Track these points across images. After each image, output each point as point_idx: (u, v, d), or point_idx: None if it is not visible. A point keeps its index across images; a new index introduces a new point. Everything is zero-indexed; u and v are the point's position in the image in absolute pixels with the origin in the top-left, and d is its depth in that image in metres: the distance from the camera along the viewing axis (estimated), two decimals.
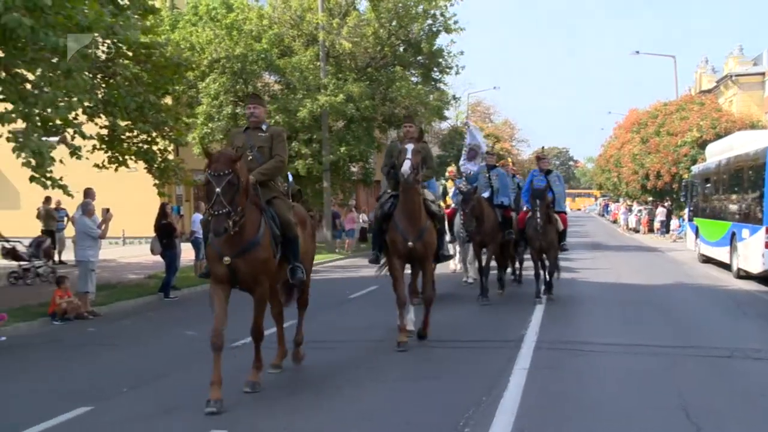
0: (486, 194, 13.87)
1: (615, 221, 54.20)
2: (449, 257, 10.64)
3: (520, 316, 11.50)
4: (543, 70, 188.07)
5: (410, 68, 29.31)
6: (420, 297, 12.84)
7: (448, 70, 29.63)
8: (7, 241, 17.17)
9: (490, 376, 7.69)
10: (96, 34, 11.64)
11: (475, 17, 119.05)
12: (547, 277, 13.50)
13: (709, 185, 22.11)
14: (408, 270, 10.09)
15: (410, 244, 9.03)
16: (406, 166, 8.62)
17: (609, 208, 65.70)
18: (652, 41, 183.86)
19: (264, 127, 7.68)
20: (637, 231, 42.27)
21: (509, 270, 15.65)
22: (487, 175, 14.35)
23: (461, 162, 18.28)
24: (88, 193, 13.54)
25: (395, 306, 9.42)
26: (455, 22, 28.18)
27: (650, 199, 42.67)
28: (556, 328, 10.53)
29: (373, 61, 28.29)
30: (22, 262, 16.63)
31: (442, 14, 28.03)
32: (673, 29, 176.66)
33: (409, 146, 8.85)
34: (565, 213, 14.16)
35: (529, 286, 14.82)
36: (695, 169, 25.57)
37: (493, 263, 14.29)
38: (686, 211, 26.62)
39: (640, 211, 43.79)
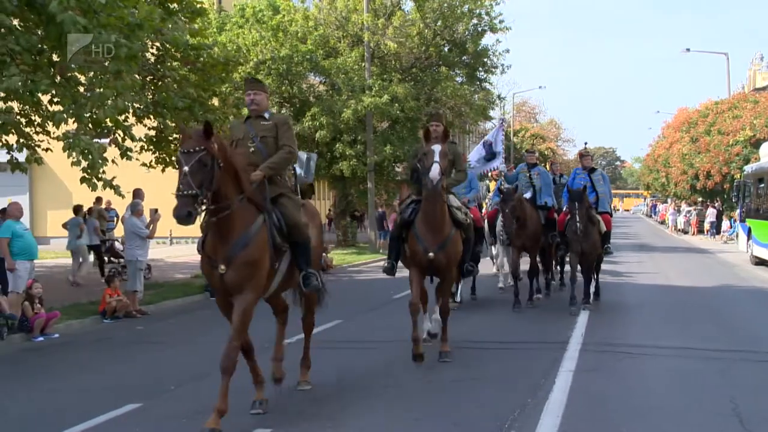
0: (528, 194, 13.22)
1: (663, 222, 53.22)
2: (474, 272, 9.60)
3: (566, 317, 11.36)
4: (589, 68, 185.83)
5: (455, 68, 29.18)
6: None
7: (493, 69, 29.48)
8: (108, 239, 18.35)
9: (535, 378, 7.61)
10: (148, 35, 11.84)
11: (521, 16, 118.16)
12: (586, 284, 12.40)
13: (763, 185, 21.59)
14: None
15: (431, 255, 8.12)
16: (435, 171, 7.73)
17: (657, 209, 64.56)
18: (704, 38, 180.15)
19: (267, 115, 6.85)
20: (685, 232, 41.44)
21: (545, 275, 14.55)
22: (528, 173, 13.64)
23: (476, 159, 16.67)
24: (137, 194, 13.81)
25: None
26: (501, 22, 28.02)
27: (700, 199, 41.81)
28: (602, 330, 10.39)
29: (417, 61, 28.26)
30: (120, 259, 17.21)
31: (487, 13, 27.88)
32: (726, 25, 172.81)
33: (436, 148, 7.97)
34: (610, 214, 13.27)
35: (576, 287, 14.63)
36: (748, 168, 25.00)
37: (525, 267, 13.45)
38: (738, 211, 26.03)
39: (689, 211, 42.92)
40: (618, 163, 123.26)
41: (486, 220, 14.08)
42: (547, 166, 17.94)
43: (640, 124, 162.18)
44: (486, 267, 12.26)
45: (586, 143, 14.10)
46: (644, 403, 6.77)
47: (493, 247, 15.67)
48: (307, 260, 6.58)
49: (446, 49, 28.61)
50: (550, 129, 69.31)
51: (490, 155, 16.59)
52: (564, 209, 12.71)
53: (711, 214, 37.43)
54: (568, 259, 13.31)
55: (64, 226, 17.35)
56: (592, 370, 8.01)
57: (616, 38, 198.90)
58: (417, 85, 27.44)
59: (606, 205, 12.99)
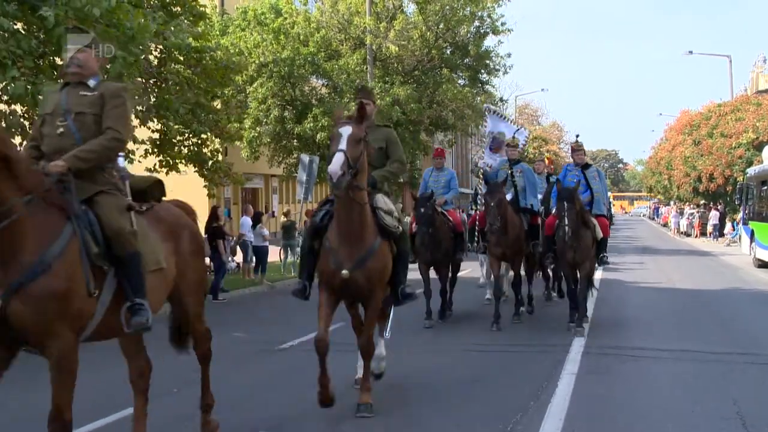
0: (509, 195, 11.33)
1: (665, 224, 53.18)
2: (413, 296, 6.94)
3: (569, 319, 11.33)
4: (591, 71, 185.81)
5: (457, 70, 29.24)
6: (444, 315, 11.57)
7: (495, 71, 29.51)
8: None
9: (537, 380, 7.60)
10: (141, 46, 11.88)
11: (523, 18, 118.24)
12: (581, 301, 10.65)
13: (765, 187, 21.60)
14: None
15: (345, 273, 6.11)
16: (335, 164, 5.77)
17: (659, 211, 64.49)
18: (706, 40, 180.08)
19: (92, 82, 4.91)
20: (688, 235, 41.40)
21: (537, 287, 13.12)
22: (509, 171, 11.67)
23: (481, 155, 15.16)
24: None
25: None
26: (503, 24, 28.11)
27: (702, 202, 41.79)
28: (605, 333, 10.37)
29: (419, 63, 28.29)
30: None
31: (489, 16, 27.95)
32: (729, 27, 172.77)
33: (345, 131, 5.94)
34: (606, 217, 11.42)
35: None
36: (751, 171, 24.99)
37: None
38: (740, 214, 26.01)
39: (692, 214, 42.89)
40: (620, 165, 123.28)
41: (466, 224, 12.86)
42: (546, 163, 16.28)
43: (642, 126, 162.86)
44: (470, 277, 11.81)
45: (577, 136, 12.10)
46: (647, 406, 6.75)
47: (483, 256, 13.85)
48: (135, 285, 4.65)
49: (448, 51, 28.67)
50: (552, 131, 69.28)
51: (497, 145, 14.12)
52: (553, 211, 10.91)
53: (714, 216, 37.41)
54: (559, 271, 12.02)
55: None
56: (595, 373, 7.99)
57: (617, 40, 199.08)
58: (419, 87, 27.47)
59: (601, 207, 11.21)
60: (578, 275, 10.65)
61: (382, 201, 6.53)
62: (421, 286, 10.79)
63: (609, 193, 16.61)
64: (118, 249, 4.57)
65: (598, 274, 16.60)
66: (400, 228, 6.62)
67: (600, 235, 10.71)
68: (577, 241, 10.24)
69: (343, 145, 5.86)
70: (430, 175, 11.99)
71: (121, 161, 5.17)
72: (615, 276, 18.13)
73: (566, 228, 10.01)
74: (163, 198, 5.41)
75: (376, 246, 6.29)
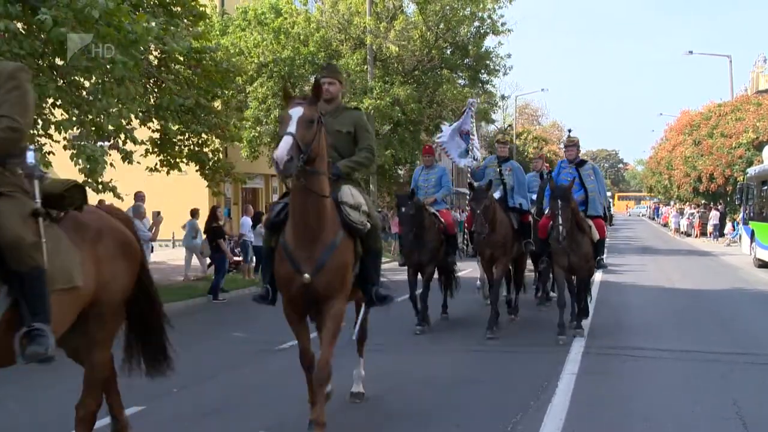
0: (497, 194, 10.96)
1: (665, 224, 53.20)
2: (389, 299, 6.11)
3: (568, 320, 11.32)
4: (591, 71, 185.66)
5: (457, 71, 29.24)
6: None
7: (495, 72, 29.52)
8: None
9: (538, 380, 7.60)
10: (142, 48, 11.94)
11: (523, 18, 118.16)
12: (577, 304, 10.15)
13: (766, 187, 21.61)
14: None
15: (305, 277, 5.34)
16: (281, 149, 4.90)
17: (660, 211, 64.49)
18: (707, 40, 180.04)
19: None
20: (688, 235, 41.41)
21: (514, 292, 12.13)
22: (499, 169, 11.31)
23: (457, 154, 13.23)
24: (138, 196, 13.86)
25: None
26: (503, 24, 28.09)
27: (703, 202, 41.80)
28: (605, 333, 10.36)
29: (420, 64, 28.29)
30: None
31: (489, 16, 27.93)
32: (729, 27, 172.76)
33: (295, 112, 5.16)
34: (602, 218, 10.52)
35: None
36: (751, 171, 25.01)
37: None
38: (741, 214, 26.02)
39: (692, 214, 42.89)
40: (621, 165, 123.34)
41: (463, 225, 12.65)
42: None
43: (642, 126, 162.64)
44: (472, 276, 11.57)
45: (570, 130, 11.36)
46: (647, 406, 6.75)
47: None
48: (34, 307, 3.93)
49: (448, 51, 28.67)
50: (552, 132, 69.28)
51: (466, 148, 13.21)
52: (546, 212, 10.22)
53: (714, 216, 37.41)
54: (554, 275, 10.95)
55: (184, 227, 18.03)
56: (595, 373, 7.99)
57: (618, 40, 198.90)
58: (419, 87, 27.47)
59: (597, 207, 10.40)
60: (574, 281, 10.04)
61: (348, 194, 5.73)
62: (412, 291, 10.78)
63: (608, 192, 16.05)
64: (14, 263, 3.87)
65: (597, 276, 16.64)
66: (368, 224, 5.78)
67: (597, 236, 10.08)
68: (574, 245, 9.56)
69: (291, 128, 5.07)
70: (420, 173, 11.59)
71: (31, 157, 4.28)
72: (615, 276, 18.13)
73: (560, 228, 9.21)
74: (85, 205, 4.59)
75: (337, 243, 5.48)
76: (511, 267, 11.74)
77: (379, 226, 6.17)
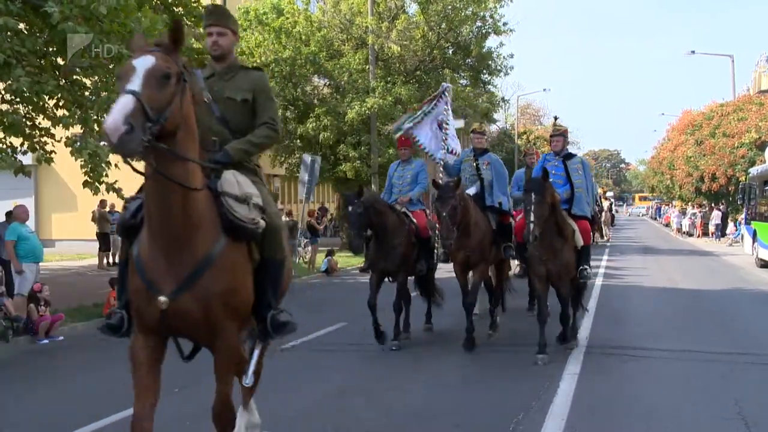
0: (472, 190, 9.70)
1: (667, 224, 53.14)
2: (289, 327, 4.57)
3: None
4: (593, 70, 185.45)
5: (459, 70, 29.24)
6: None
7: (497, 71, 29.52)
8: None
9: (539, 380, 7.61)
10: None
11: (525, 18, 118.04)
12: (562, 319, 9.02)
13: None
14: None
15: (161, 300, 3.86)
16: (115, 114, 3.37)
17: (661, 211, 64.44)
18: (708, 39, 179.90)
19: None
20: (690, 235, 41.36)
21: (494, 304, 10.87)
22: (475, 162, 9.93)
23: (435, 147, 11.28)
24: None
25: None
26: (504, 24, 28.08)
27: (704, 202, 41.77)
28: (606, 333, 10.36)
29: (421, 63, 28.29)
30: None
31: (491, 16, 27.92)
32: (730, 26, 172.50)
33: (142, 62, 3.61)
34: (589, 220, 9.14)
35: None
36: (753, 171, 24.99)
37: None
38: (743, 214, 26.01)
39: (694, 214, 42.84)
40: (622, 165, 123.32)
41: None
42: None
43: (644, 126, 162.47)
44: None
45: (556, 117, 10.32)
46: (648, 406, 6.75)
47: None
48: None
49: (450, 51, 28.67)
50: None
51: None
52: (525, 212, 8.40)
53: (716, 216, 37.37)
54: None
55: None
56: (597, 373, 8.00)
57: (619, 39, 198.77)
58: (421, 87, 27.46)
59: (583, 206, 8.96)
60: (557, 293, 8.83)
61: (233, 182, 4.21)
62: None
63: (610, 192, 15.60)
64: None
65: (598, 280, 16.62)
66: (262, 222, 4.24)
67: (581, 242, 8.72)
68: (551, 251, 8.34)
69: (134, 85, 3.50)
70: (395, 169, 10.34)
71: None
72: (616, 276, 18.13)
73: (531, 225, 7.85)
74: None
75: (215, 253, 3.97)
76: (491, 275, 10.61)
77: (282, 226, 4.65)
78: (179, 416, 6.53)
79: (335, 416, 6.48)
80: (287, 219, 20.92)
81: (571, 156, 9.44)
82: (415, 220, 9.68)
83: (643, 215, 79.92)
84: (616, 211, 59.54)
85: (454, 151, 11.26)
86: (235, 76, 4.68)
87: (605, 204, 34.64)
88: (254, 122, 4.61)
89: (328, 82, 27.70)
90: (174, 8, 14.44)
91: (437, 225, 9.17)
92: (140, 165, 3.78)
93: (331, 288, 17.69)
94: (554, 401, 6.80)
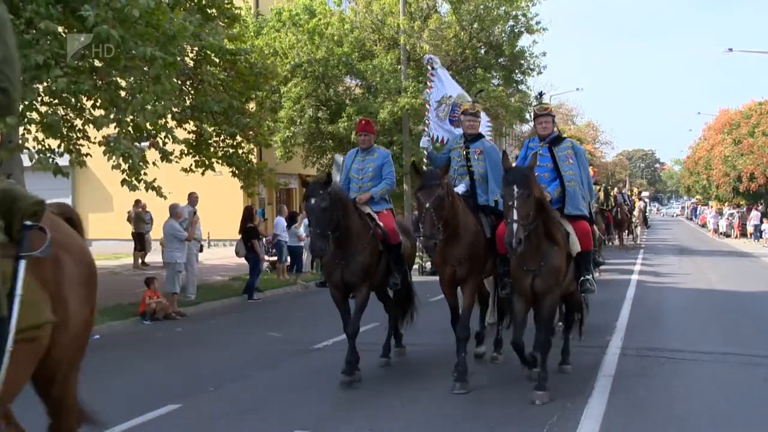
0: (461, 188, 7.86)
1: (703, 225, 52.37)
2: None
3: (605, 321, 11.18)
4: (628, 70, 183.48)
5: (491, 70, 29.09)
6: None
7: (529, 71, 29.34)
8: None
9: (574, 382, 7.53)
10: (180, 47, 12.13)
11: (558, 17, 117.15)
12: (541, 347, 7.22)
13: None
14: None
15: None
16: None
17: (697, 211, 63.52)
18: (746, 37, 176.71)
19: None
20: (728, 235, 40.69)
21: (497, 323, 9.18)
22: (466, 151, 8.01)
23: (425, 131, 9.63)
24: (191, 198, 14.48)
25: None
26: (537, 23, 27.88)
27: (742, 202, 41.10)
28: (642, 335, 10.24)
29: (453, 63, 28.19)
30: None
31: (524, 15, 27.75)
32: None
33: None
34: (589, 220, 7.52)
35: (615, 291, 14.42)
36: None
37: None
38: None
39: (731, 214, 42.14)
40: (657, 165, 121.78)
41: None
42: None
43: (680, 125, 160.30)
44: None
45: (541, 93, 8.46)
46: (685, 410, 6.65)
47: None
48: None
49: (482, 51, 28.55)
50: (587, 131, 68.49)
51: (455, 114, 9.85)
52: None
53: (755, 216, 36.73)
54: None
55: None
56: (632, 375, 7.89)
57: (654, 38, 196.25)
58: None
59: (579, 202, 7.33)
60: (539, 315, 7.18)
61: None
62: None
63: (646, 192, 14.99)
64: None
65: (633, 276, 16.41)
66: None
67: (577, 247, 7.13)
68: (533, 259, 6.68)
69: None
70: (353, 159, 8.42)
71: None
72: (651, 277, 17.90)
73: (514, 226, 6.24)
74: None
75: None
76: (490, 288, 9.00)
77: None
78: (214, 415, 6.58)
79: (368, 416, 6.48)
80: None
81: (559, 140, 7.56)
82: (381, 224, 7.99)
83: (677, 215, 78.85)
84: (650, 211, 58.77)
85: (442, 140, 9.63)
86: None
87: (639, 204, 34.11)
88: None
89: (360, 83, 27.75)
90: (208, 9, 14.57)
91: (420, 223, 7.08)
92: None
93: None
94: (589, 403, 6.72)
